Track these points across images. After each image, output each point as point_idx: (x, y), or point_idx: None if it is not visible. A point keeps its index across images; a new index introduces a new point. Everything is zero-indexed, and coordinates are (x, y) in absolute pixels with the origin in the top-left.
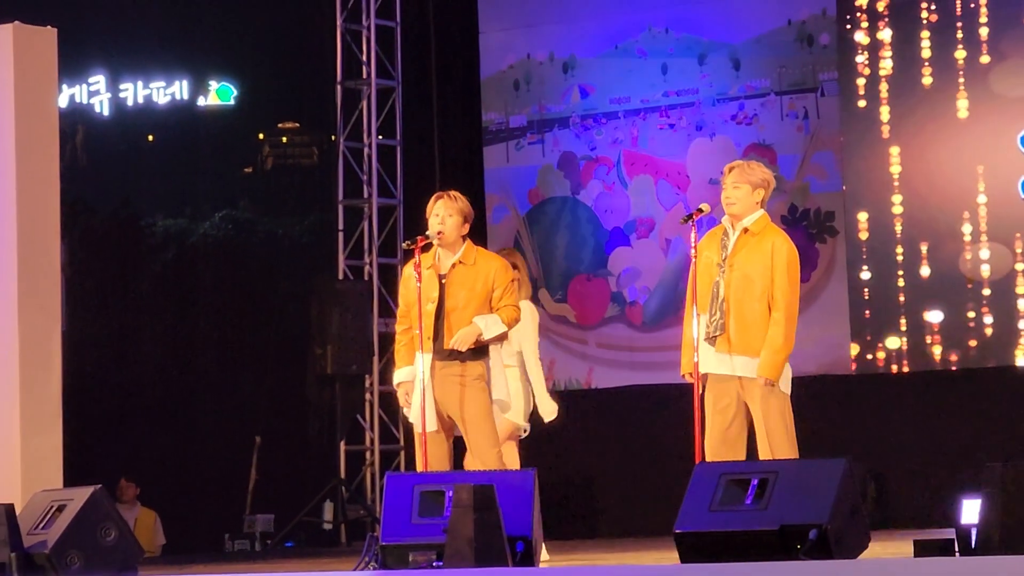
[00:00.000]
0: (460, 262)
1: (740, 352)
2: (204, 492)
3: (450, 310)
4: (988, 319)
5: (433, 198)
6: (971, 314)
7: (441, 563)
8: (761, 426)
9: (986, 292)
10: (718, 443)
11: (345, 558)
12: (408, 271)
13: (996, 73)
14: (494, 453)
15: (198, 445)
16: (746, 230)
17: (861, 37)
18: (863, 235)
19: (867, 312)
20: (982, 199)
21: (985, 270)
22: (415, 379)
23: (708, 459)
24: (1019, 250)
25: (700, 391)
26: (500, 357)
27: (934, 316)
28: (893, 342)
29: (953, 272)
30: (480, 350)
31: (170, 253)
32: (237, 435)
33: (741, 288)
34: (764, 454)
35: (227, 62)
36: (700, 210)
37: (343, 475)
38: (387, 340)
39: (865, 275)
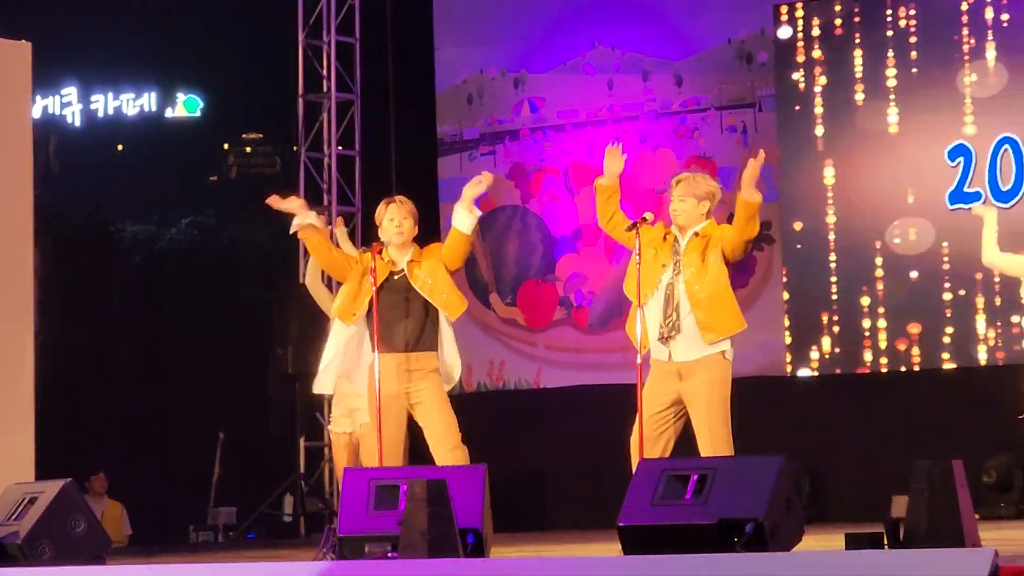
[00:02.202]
0: (412, 260)
1: (708, 330)
2: (170, 485)
3: (413, 300)
4: (916, 325)
5: (383, 203)
6: (900, 320)
7: (396, 554)
8: (704, 422)
9: (915, 299)
10: (645, 436)
11: (304, 549)
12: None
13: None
14: (453, 442)
15: (164, 440)
16: (696, 234)
17: (797, 56)
18: (798, 244)
19: (802, 317)
20: (911, 210)
21: (912, 240)
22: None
23: (633, 449)
24: (945, 257)
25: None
26: (451, 331)
27: (865, 322)
28: (826, 346)
29: (884, 279)
30: (432, 343)
31: (138, 258)
32: (202, 431)
33: (698, 278)
34: (704, 448)
35: (194, 75)
36: (644, 219)
37: (302, 470)
38: None
39: (800, 282)
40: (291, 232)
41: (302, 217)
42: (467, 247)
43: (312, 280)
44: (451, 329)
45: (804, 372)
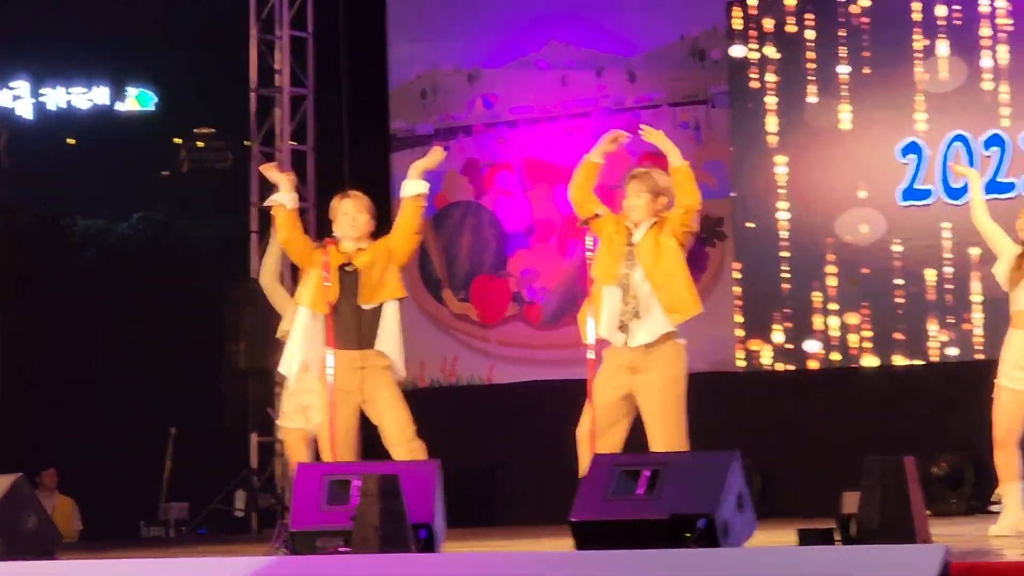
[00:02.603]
0: (359, 250)
1: (673, 311)
2: (121, 481)
3: (363, 286)
4: (868, 322)
5: (337, 197)
6: (852, 316)
7: (348, 549)
8: (657, 418)
9: (867, 295)
10: (601, 430)
11: (256, 544)
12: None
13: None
14: (408, 435)
15: (116, 435)
16: (652, 225)
17: (750, 53)
18: (750, 239)
19: (753, 313)
20: (863, 206)
21: (864, 232)
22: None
23: (582, 443)
24: (896, 251)
25: (593, 374)
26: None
27: (817, 318)
28: (778, 341)
29: (836, 275)
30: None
31: (90, 253)
32: (153, 426)
33: (654, 264)
34: (656, 445)
35: (146, 69)
36: (596, 215)
37: (254, 465)
38: None
39: (751, 278)
40: (264, 205)
41: (281, 194)
42: (412, 218)
43: (269, 278)
44: (397, 321)
45: (756, 368)
